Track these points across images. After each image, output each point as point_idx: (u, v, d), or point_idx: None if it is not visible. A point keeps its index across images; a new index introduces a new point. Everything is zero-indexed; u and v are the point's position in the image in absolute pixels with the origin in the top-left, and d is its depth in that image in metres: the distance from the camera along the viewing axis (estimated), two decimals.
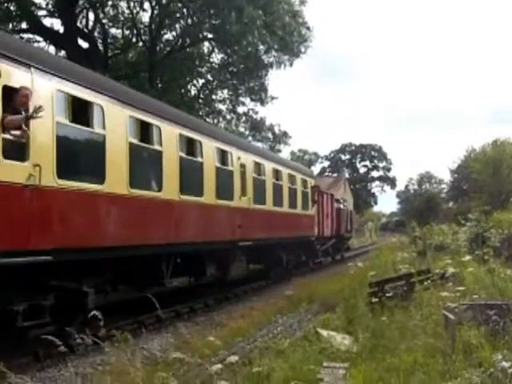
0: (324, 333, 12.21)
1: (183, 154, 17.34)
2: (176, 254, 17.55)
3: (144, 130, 15.33)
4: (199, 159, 18.40)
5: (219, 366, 8.35)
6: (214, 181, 19.26)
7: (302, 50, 39.26)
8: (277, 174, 26.94)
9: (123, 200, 13.97)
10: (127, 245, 14.11)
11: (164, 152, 16.03)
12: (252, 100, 44.20)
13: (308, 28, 38.85)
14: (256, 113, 47.63)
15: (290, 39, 36.98)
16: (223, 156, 20.70)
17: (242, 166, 22.28)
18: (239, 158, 21.89)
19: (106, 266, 13.97)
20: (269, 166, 25.71)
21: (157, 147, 15.80)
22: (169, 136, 16.39)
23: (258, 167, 24.35)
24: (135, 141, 14.74)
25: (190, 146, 18.13)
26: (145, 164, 15.58)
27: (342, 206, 45.12)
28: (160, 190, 15.81)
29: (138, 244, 14.67)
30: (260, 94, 42.86)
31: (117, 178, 13.71)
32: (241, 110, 46.90)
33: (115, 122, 13.86)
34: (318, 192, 35.37)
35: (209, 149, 19.17)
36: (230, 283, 22.51)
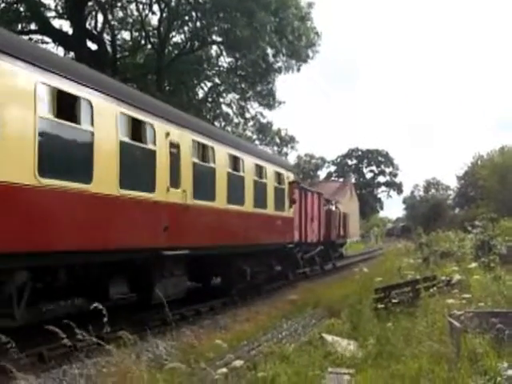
0: (329, 338, 12.20)
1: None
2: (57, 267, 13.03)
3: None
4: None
5: (224, 370, 8.34)
6: (114, 162, 13.48)
7: (310, 54, 39.29)
8: (235, 163, 20.72)
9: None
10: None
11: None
12: (260, 104, 44.24)
13: (316, 33, 38.84)
14: (264, 117, 47.66)
15: (298, 44, 37.00)
16: (136, 127, 14.78)
17: (174, 145, 16.29)
18: (168, 135, 15.96)
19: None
20: (221, 151, 19.35)
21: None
22: None
23: (201, 150, 18.22)
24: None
25: None
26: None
27: (333, 207, 40.94)
28: None
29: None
30: (268, 99, 42.89)
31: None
32: (248, 114, 46.96)
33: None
34: (299, 190, 30.04)
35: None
36: (154, 306, 15.31)
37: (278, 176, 25.15)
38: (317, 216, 34.01)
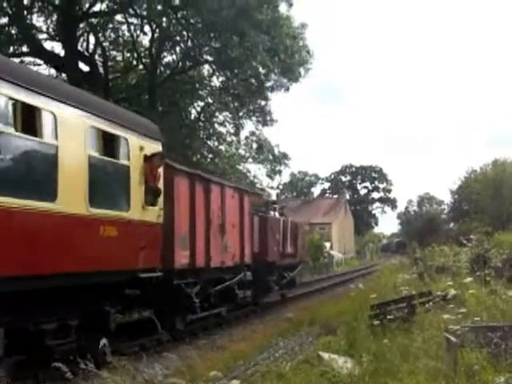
0: (325, 356, 12.16)
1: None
2: None
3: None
4: None
5: None
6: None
7: (302, 73, 39.35)
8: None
9: None
10: None
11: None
12: (253, 122, 44.33)
13: (308, 52, 38.95)
14: (260, 137, 47.69)
15: (290, 62, 37.11)
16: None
17: None
18: None
19: None
20: None
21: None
22: None
23: None
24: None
25: None
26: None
27: (274, 213, 29.26)
28: None
29: None
30: (261, 116, 42.99)
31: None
32: (243, 133, 47.02)
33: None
34: (189, 178, 18.21)
35: None
36: None
37: (115, 142, 14.06)
38: (237, 225, 22.22)
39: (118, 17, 40.31)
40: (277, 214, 29.60)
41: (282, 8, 36.73)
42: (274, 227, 27.27)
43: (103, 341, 12.73)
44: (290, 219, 31.70)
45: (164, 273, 15.57)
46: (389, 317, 14.60)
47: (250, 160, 49.09)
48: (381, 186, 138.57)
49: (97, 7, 38.33)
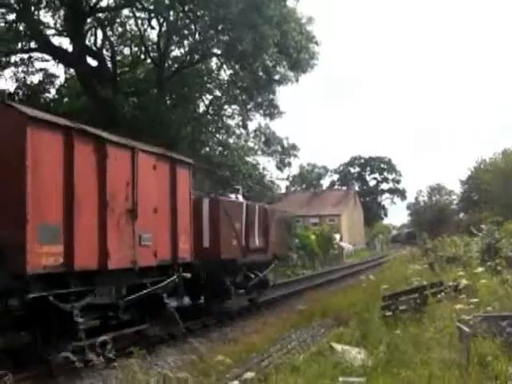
0: (338, 347, 12.19)
1: None
2: None
3: None
4: None
5: (235, 382, 8.35)
6: None
7: (311, 64, 39.30)
8: None
9: None
10: None
11: None
12: (261, 115, 44.29)
13: (316, 42, 38.94)
14: (269, 129, 47.70)
15: (298, 56, 37.12)
16: None
17: None
18: None
19: None
20: None
21: None
22: None
23: None
24: None
25: None
26: None
27: (236, 196, 24.37)
28: None
29: None
30: (269, 109, 42.94)
31: None
32: (252, 125, 47.05)
33: None
34: (37, 124, 11.67)
35: None
36: None
37: None
38: (165, 209, 16.33)
39: (126, 11, 40.32)
40: (240, 198, 24.12)
41: (290, 2, 36.83)
42: (232, 214, 21.09)
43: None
44: (260, 204, 25.71)
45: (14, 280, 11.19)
46: (401, 307, 14.64)
47: (259, 152, 49.11)
48: (390, 176, 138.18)
49: (104, 2, 38.40)
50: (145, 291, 15.09)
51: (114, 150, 13.73)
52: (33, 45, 37.41)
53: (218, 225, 19.94)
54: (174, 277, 16.54)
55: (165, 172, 16.30)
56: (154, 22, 39.60)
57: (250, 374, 8.74)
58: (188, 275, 17.15)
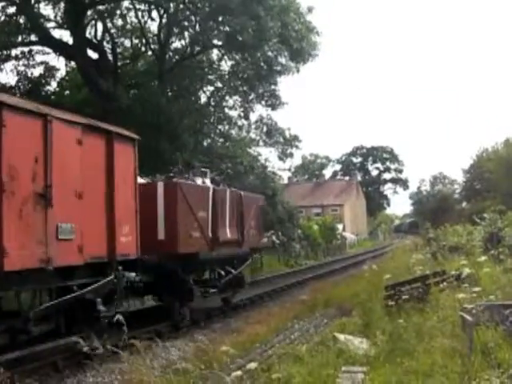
0: (341, 337, 12.20)
1: None
2: None
3: None
4: None
5: (239, 373, 8.37)
6: None
7: (311, 55, 39.28)
8: None
9: None
10: None
11: None
12: (263, 106, 44.31)
13: (317, 33, 38.91)
14: (269, 118, 47.74)
15: (299, 46, 37.08)
16: None
17: None
18: None
19: None
20: None
21: None
22: None
23: None
24: None
25: None
26: None
27: (203, 180, 20.06)
28: None
29: None
30: (271, 100, 42.95)
31: None
32: (253, 116, 47.01)
33: None
34: None
35: None
36: None
37: None
38: (97, 193, 13.25)
39: (126, 3, 40.39)
40: (207, 182, 20.08)
41: None
42: (193, 200, 17.52)
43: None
44: (234, 190, 21.73)
45: None
46: (403, 297, 14.63)
47: (261, 143, 49.16)
48: (392, 166, 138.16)
49: None
50: (68, 296, 12.09)
51: (13, 117, 10.55)
52: (33, 38, 37.45)
53: (175, 213, 16.58)
54: (110, 278, 13.26)
55: (96, 148, 13.08)
56: (154, 14, 39.71)
57: (253, 365, 8.75)
58: (131, 275, 14.37)
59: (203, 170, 21.05)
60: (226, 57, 41.63)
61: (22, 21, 36.49)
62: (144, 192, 15.38)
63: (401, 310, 13.90)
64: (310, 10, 38.85)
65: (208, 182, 20.05)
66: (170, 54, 41.95)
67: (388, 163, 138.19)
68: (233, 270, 20.94)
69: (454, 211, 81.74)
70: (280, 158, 51.38)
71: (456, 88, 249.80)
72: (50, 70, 40.14)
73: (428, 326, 11.38)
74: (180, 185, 17.02)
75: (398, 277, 19.40)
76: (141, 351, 9.33)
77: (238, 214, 21.00)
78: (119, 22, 41.91)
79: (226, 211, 19.89)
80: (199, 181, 19.43)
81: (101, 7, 39.02)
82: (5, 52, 37.23)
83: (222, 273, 20.33)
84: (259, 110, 46.52)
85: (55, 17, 38.64)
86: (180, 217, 16.66)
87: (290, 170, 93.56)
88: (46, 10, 38.99)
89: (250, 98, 43.59)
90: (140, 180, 15.90)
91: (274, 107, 43.77)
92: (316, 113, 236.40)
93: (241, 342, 13.88)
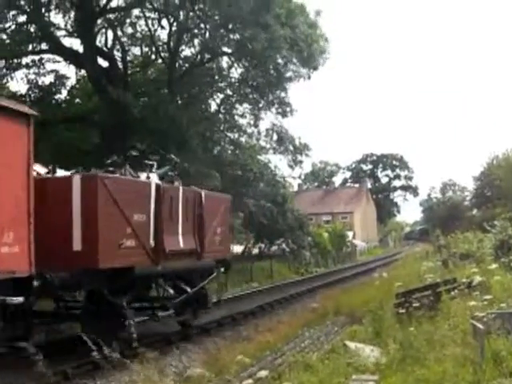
0: (352, 345, 12.18)
1: None
2: None
3: None
4: None
5: (250, 381, 8.37)
6: None
7: (321, 61, 39.38)
8: None
9: None
10: None
11: None
12: (273, 113, 44.29)
13: (326, 39, 38.97)
14: (280, 126, 47.72)
15: (309, 51, 37.13)
16: None
17: None
18: None
19: None
20: None
21: None
22: None
23: None
24: None
25: None
26: None
27: (149, 175, 15.54)
28: None
29: None
30: (281, 107, 42.96)
31: None
32: (263, 124, 47.05)
33: None
34: None
35: None
36: None
37: None
38: None
39: (136, 11, 40.35)
40: (154, 178, 15.48)
41: None
42: (124, 199, 13.46)
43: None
44: (192, 188, 17.27)
45: None
46: (414, 305, 14.60)
47: (271, 151, 49.11)
48: (402, 173, 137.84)
49: (114, 2, 38.35)
50: None
51: None
52: (44, 46, 37.53)
53: (95, 215, 12.62)
54: None
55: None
56: (164, 22, 39.66)
57: (263, 373, 8.75)
58: (14, 300, 10.47)
59: (149, 162, 16.30)
60: (235, 64, 41.67)
61: (32, 29, 36.62)
62: (54, 188, 12.74)
63: (412, 317, 13.86)
64: (318, 13, 38.89)
65: (154, 177, 15.58)
66: (180, 61, 41.97)
67: (398, 170, 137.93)
68: (187, 288, 16.71)
69: (464, 218, 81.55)
70: (290, 166, 51.35)
71: (467, 95, 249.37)
72: (60, 79, 40.19)
73: (439, 334, 11.34)
74: (102, 179, 12.95)
75: (408, 284, 19.37)
76: (150, 360, 9.34)
77: (196, 218, 16.82)
78: (129, 31, 41.96)
79: (177, 214, 15.77)
80: (143, 176, 15.40)
81: (111, 15, 39.11)
82: (16, 60, 37.34)
83: (171, 291, 16.70)
84: (270, 118, 46.47)
85: (65, 25, 38.73)
86: (102, 220, 12.70)
87: (299, 177, 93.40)
88: (57, 18, 38.96)
89: (260, 105, 43.59)
90: (42, 170, 13.17)
91: (284, 114, 43.75)
92: (326, 120, 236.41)
93: (251, 350, 13.86)
